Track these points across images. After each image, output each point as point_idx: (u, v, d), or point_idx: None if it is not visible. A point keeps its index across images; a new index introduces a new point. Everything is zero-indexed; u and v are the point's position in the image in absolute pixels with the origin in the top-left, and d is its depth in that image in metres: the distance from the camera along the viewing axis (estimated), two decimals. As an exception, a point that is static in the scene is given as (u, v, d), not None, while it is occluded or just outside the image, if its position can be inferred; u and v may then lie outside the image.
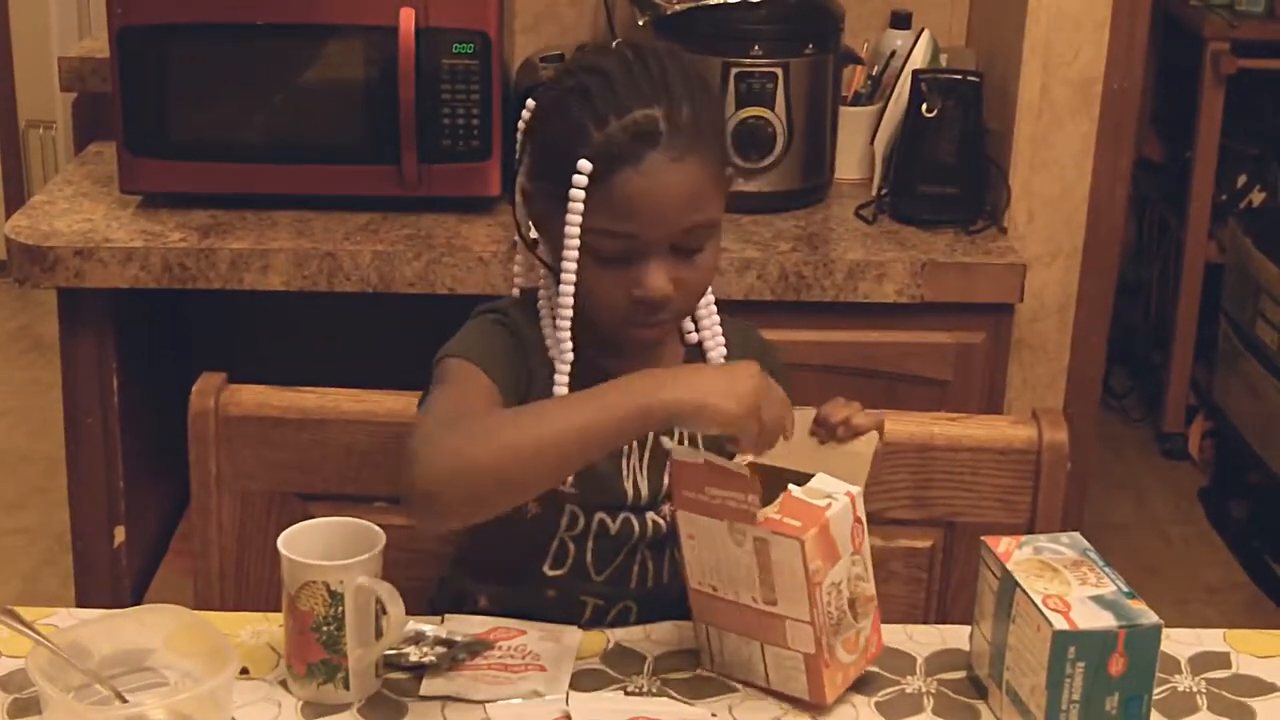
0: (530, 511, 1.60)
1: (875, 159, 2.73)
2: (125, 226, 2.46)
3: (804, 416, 1.59)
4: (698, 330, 1.68)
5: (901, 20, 2.83)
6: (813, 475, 1.48)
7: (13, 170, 4.94)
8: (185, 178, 2.51)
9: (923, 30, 2.76)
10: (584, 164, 1.50)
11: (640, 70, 1.54)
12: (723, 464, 1.44)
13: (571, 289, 1.55)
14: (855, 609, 1.47)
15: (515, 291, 1.70)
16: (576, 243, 1.52)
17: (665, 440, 1.54)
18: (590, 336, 1.60)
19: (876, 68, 2.82)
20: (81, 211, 2.52)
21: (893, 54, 2.80)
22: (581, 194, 1.50)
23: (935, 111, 2.59)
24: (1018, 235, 2.63)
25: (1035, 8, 2.58)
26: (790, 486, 1.46)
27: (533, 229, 1.64)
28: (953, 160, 2.60)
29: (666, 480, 1.64)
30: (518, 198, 1.63)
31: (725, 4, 2.59)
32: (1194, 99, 3.90)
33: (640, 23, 2.65)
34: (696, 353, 1.68)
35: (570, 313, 1.56)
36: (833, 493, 1.45)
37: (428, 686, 1.49)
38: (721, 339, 1.68)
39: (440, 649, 1.53)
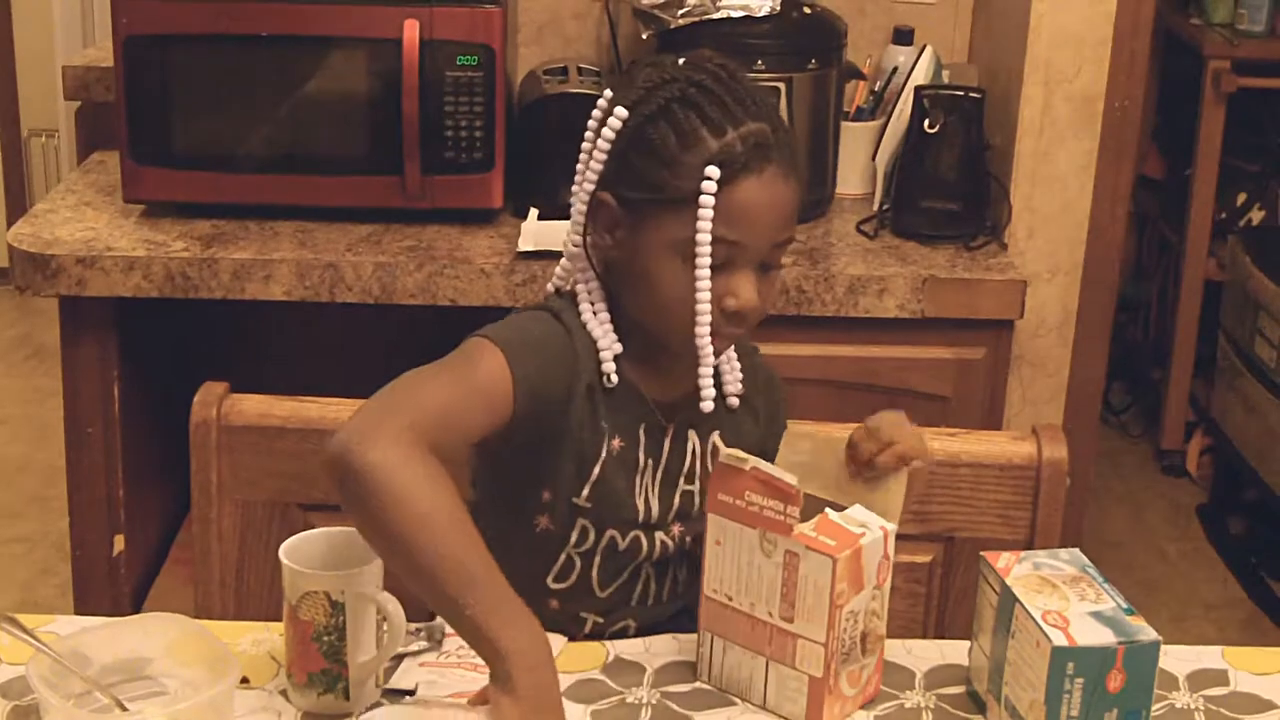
0: (541, 525, 1.61)
1: (877, 174, 2.73)
2: (128, 235, 2.46)
3: (835, 445, 1.59)
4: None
5: (904, 36, 2.84)
6: (848, 506, 1.50)
7: (15, 178, 4.94)
8: (188, 187, 2.52)
9: (925, 46, 2.77)
10: (713, 170, 1.51)
11: (738, 87, 1.56)
12: (769, 472, 1.45)
13: (708, 298, 1.53)
14: (865, 644, 1.48)
15: (550, 288, 1.68)
16: (709, 249, 1.52)
17: (716, 441, 1.54)
18: (628, 349, 1.60)
19: (879, 83, 2.83)
20: (84, 220, 2.52)
21: (895, 70, 2.81)
22: (711, 199, 1.51)
23: (937, 127, 2.60)
24: (1018, 251, 2.64)
25: (1037, 25, 2.59)
26: (827, 510, 1.48)
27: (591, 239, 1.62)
28: (954, 176, 2.61)
29: (677, 501, 1.64)
30: (583, 208, 1.60)
31: (729, 19, 2.60)
32: (1195, 117, 3.91)
33: (644, 36, 2.66)
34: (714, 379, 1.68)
35: (709, 316, 1.55)
36: (868, 523, 1.47)
37: (396, 679, 1.50)
38: (739, 368, 1.68)
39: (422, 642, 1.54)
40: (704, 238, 1.52)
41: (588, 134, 1.61)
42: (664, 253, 1.54)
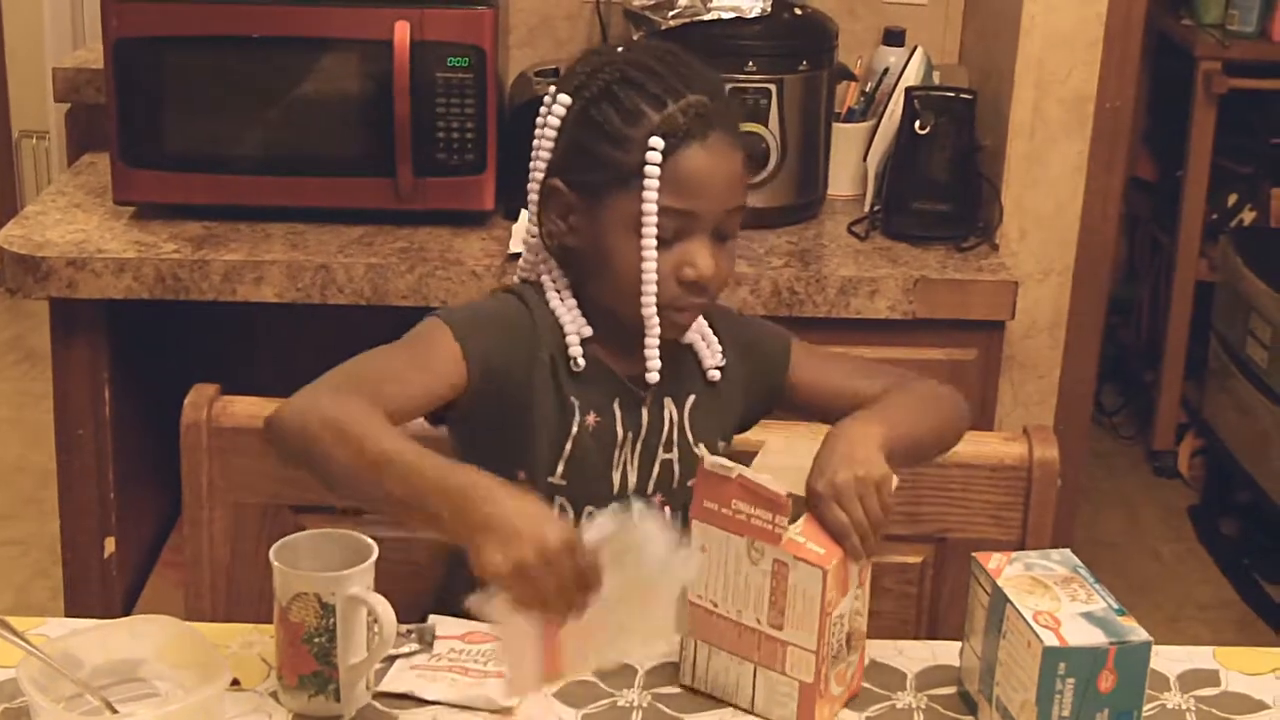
0: None
1: (868, 175, 2.73)
2: (118, 237, 2.46)
3: (812, 445, 1.58)
4: (690, 332, 1.69)
5: (895, 37, 2.84)
6: None
7: (6, 180, 4.93)
8: (179, 189, 2.52)
9: (916, 47, 2.77)
10: (656, 141, 1.53)
11: (677, 63, 1.59)
12: (756, 481, 1.43)
13: (654, 270, 1.55)
14: (850, 642, 1.48)
15: (516, 279, 1.70)
16: (654, 220, 1.54)
17: (700, 449, 1.53)
18: (596, 331, 1.62)
19: (870, 84, 2.83)
20: (75, 222, 2.52)
21: (886, 71, 2.81)
22: (656, 170, 1.53)
23: (928, 128, 2.60)
24: (1010, 252, 2.64)
25: (1028, 26, 2.60)
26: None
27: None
28: (945, 177, 2.61)
29: (656, 470, 1.65)
30: (536, 197, 1.63)
31: (720, 20, 2.60)
32: (1186, 118, 3.91)
33: (635, 37, 2.66)
34: (688, 352, 1.69)
35: (654, 288, 1.56)
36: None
37: (387, 682, 1.50)
38: (715, 340, 1.69)
39: (413, 644, 1.54)
40: (650, 208, 1.54)
41: (537, 129, 1.63)
42: (619, 231, 1.56)
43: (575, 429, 1.60)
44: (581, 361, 1.60)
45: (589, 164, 1.58)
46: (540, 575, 1.30)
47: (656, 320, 1.58)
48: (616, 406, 1.63)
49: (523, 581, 1.30)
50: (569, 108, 1.60)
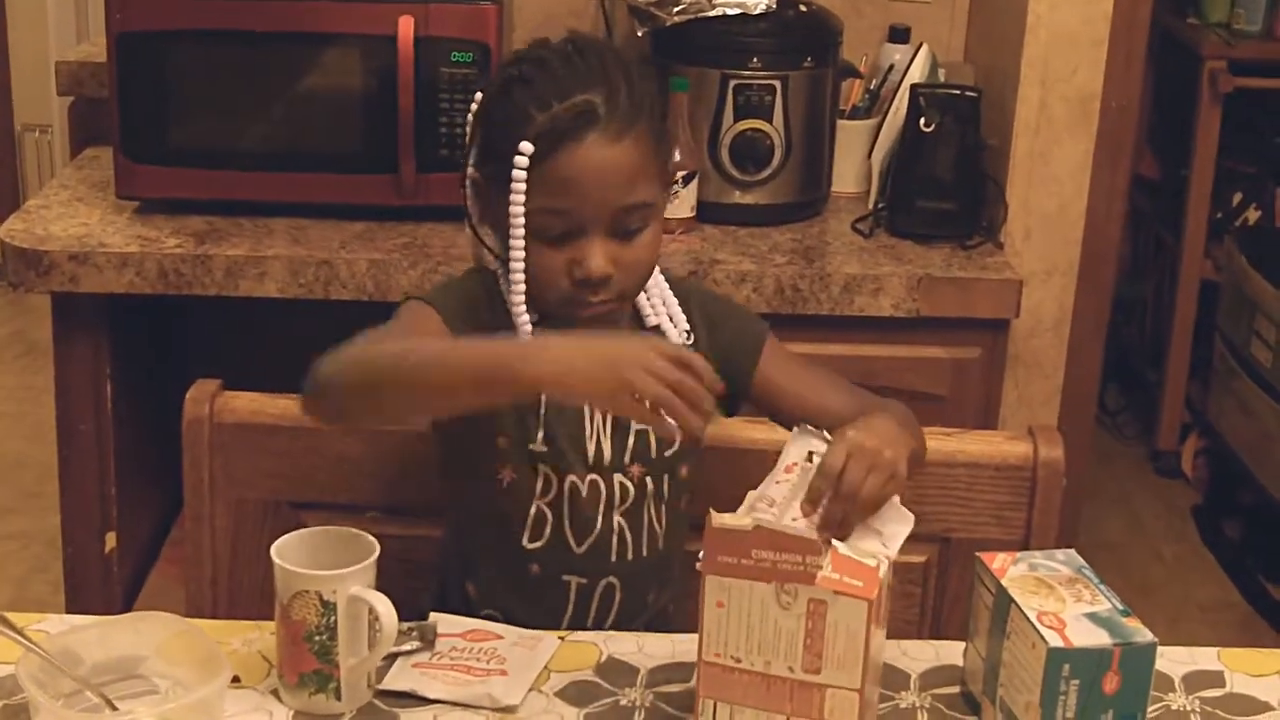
0: (505, 479, 1.63)
1: (872, 173, 2.73)
2: (121, 232, 2.45)
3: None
4: (655, 314, 1.71)
5: (900, 34, 2.84)
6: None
7: (8, 174, 4.93)
8: (182, 184, 2.51)
9: (921, 45, 2.76)
10: (525, 145, 1.56)
11: (579, 59, 1.61)
12: (780, 529, 1.37)
13: (521, 269, 1.60)
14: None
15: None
16: (522, 222, 1.58)
17: (712, 514, 1.48)
18: (542, 317, 1.64)
19: (875, 81, 2.82)
20: (77, 216, 2.51)
21: (891, 68, 2.80)
22: (523, 174, 1.56)
23: (933, 126, 2.59)
24: (1014, 251, 2.63)
25: (1034, 24, 2.59)
26: (835, 544, 1.40)
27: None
28: (950, 175, 2.60)
29: (631, 441, 1.66)
30: (467, 187, 1.68)
31: (724, 16, 2.59)
32: (1191, 117, 3.91)
33: (639, 34, 2.65)
34: (655, 333, 1.70)
35: (523, 291, 1.61)
36: (874, 552, 1.40)
37: (388, 680, 1.49)
38: (684, 319, 1.71)
39: (415, 642, 1.54)
40: (516, 210, 1.57)
41: None
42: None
43: (544, 394, 1.62)
44: (530, 331, 1.64)
45: (492, 158, 1.62)
46: (644, 371, 1.37)
47: (527, 319, 1.62)
48: None
49: (623, 388, 1.38)
50: (480, 103, 1.65)
